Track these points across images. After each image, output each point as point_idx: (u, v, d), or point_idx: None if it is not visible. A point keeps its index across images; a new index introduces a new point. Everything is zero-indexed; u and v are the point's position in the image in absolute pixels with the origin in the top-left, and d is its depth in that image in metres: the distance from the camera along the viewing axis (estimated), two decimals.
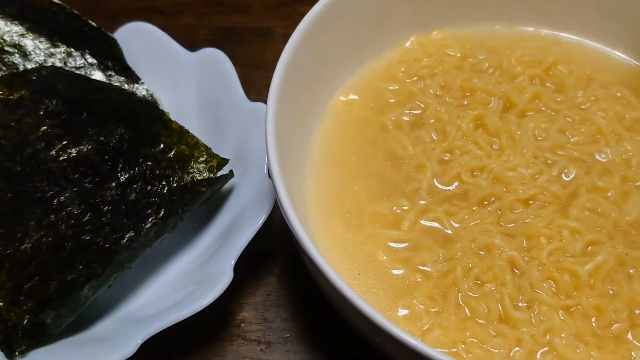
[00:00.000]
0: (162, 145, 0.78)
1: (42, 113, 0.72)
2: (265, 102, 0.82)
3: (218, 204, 0.84)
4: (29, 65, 0.81)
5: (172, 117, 0.82)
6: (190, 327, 0.76)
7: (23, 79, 0.73)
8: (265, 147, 0.79)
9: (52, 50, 0.83)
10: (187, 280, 0.78)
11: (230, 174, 0.81)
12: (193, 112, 0.89)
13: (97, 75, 0.84)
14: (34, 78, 0.74)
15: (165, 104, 0.88)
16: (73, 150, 0.72)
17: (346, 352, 0.77)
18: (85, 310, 0.74)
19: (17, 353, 0.69)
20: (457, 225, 0.73)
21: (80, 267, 0.70)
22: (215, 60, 0.89)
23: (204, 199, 0.79)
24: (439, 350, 0.55)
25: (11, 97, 0.71)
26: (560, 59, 0.86)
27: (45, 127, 0.72)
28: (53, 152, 0.72)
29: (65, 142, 0.72)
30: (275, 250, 0.85)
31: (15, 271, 0.69)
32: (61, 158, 0.72)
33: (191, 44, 0.94)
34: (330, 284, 0.58)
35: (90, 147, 0.73)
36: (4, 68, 0.81)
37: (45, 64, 0.81)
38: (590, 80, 0.85)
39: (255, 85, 1.01)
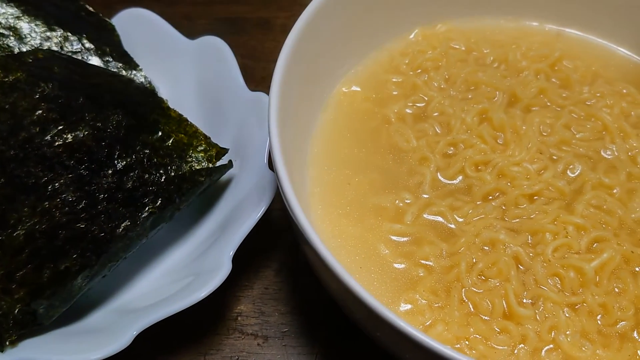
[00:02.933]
0: (160, 133, 0.76)
1: (37, 96, 0.70)
2: (264, 92, 0.81)
3: (216, 195, 0.82)
4: (24, 49, 0.79)
5: (171, 105, 0.80)
6: (186, 320, 0.75)
7: (18, 61, 0.71)
8: (265, 138, 0.78)
9: (48, 34, 0.81)
10: (183, 272, 0.76)
11: (230, 164, 0.79)
12: (191, 101, 0.87)
13: (95, 61, 0.82)
14: (30, 60, 0.72)
15: (163, 92, 0.86)
16: (69, 135, 0.70)
17: (345, 347, 0.75)
18: (79, 301, 0.72)
19: (7, 343, 0.66)
20: (460, 219, 0.72)
21: (74, 256, 0.68)
22: (214, 48, 0.87)
23: (202, 189, 0.77)
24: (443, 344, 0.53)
25: (6, 79, 0.69)
26: (565, 55, 0.85)
27: (40, 111, 0.69)
28: (48, 137, 0.69)
29: (61, 127, 0.70)
30: (273, 244, 0.84)
31: (7, 259, 0.67)
32: (56, 143, 0.70)
33: (190, 34, 0.92)
34: (333, 275, 0.57)
35: (86, 132, 0.71)
36: None
37: (41, 48, 0.79)
38: (595, 76, 0.84)
39: (254, 77, 0.99)
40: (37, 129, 0.69)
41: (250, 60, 1.02)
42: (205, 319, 0.77)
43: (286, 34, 1.03)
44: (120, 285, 0.76)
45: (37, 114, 0.69)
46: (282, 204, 0.85)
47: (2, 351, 0.66)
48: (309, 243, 0.58)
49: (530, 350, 0.64)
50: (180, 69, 0.89)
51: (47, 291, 0.67)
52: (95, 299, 0.74)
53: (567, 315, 0.65)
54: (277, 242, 0.84)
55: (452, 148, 0.77)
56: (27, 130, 0.69)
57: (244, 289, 0.80)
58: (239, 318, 0.78)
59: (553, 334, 0.64)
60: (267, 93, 0.81)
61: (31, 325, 0.68)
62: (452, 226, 0.71)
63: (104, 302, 0.75)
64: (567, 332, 0.64)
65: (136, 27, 0.91)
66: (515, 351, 0.64)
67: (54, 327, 0.70)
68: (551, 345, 0.64)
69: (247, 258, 0.80)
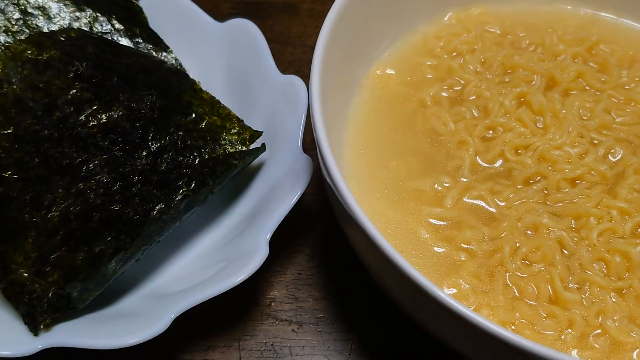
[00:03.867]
0: (193, 115, 0.75)
1: (71, 75, 0.68)
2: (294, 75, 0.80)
3: (247, 179, 0.81)
4: (54, 29, 0.78)
5: None
6: (218, 305, 0.73)
7: (52, 39, 0.69)
8: (298, 121, 0.77)
9: (77, 14, 0.80)
10: (216, 256, 0.74)
11: (263, 147, 0.77)
12: (221, 84, 0.86)
13: (125, 42, 0.81)
14: (63, 39, 0.70)
15: (193, 75, 0.84)
16: (103, 115, 0.69)
17: (380, 332, 0.74)
18: (112, 285, 0.71)
19: (41, 326, 0.65)
20: (502, 203, 0.70)
21: (109, 239, 0.67)
22: (244, 31, 0.85)
23: (236, 172, 0.76)
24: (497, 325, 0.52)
25: (40, 57, 0.67)
26: (602, 39, 0.84)
27: (75, 91, 0.68)
28: (82, 117, 0.68)
29: (95, 107, 0.68)
30: (306, 229, 0.82)
31: (41, 240, 0.65)
32: (91, 123, 0.68)
33: (214, 18, 0.90)
34: (383, 255, 0.55)
35: (120, 113, 0.70)
36: (27, 31, 0.77)
37: (72, 27, 0.78)
38: (633, 60, 0.82)
39: (282, 61, 0.98)
40: (72, 109, 0.68)
41: (276, 44, 1.00)
42: (239, 304, 0.76)
43: (313, 18, 1.02)
44: (153, 269, 0.75)
45: (71, 93, 0.68)
46: (314, 188, 0.85)
47: (36, 335, 0.65)
48: (357, 223, 0.57)
49: (577, 335, 0.62)
50: (209, 51, 0.87)
51: (81, 274, 0.66)
52: (128, 283, 0.73)
53: (614, 300, 0.64)
54: (309, 227, 0.83)
55: (490, 132, 0.76)
56: (61, 110, 0.67)
57: (277, 274, 0.79)
58: (273, 304, 0.76)
59: (600, 318, 0.63)
60: (297, 76, 0.80)
61: (65, 309, 0.67)
62: (493, 210, 0.70)
63: (136, 287, 0.73)
64: (615, 317, 0.63)
65: (163, 10, 0.89)
66: (563, 336, 0.62)
67: (88, 311, 0.69)
68: (599, 331, 0.63)
69: (279, 243, 0.79)
